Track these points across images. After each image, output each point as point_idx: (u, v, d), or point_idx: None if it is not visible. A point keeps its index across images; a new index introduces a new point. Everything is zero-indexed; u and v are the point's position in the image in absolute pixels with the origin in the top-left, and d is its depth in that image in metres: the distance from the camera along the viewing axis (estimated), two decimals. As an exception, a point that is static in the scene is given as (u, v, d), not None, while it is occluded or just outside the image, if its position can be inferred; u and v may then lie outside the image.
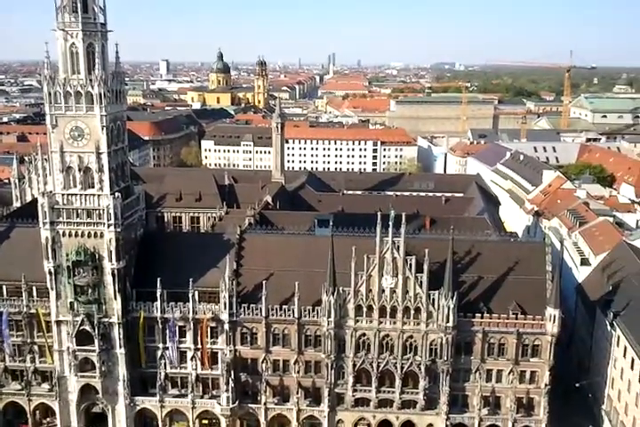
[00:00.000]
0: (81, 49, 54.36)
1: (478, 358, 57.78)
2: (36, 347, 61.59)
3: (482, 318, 56.60)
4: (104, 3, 54.84)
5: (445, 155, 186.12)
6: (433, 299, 56.23)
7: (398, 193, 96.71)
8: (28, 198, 75.38)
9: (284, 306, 58.39)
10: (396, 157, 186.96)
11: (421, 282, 56.00)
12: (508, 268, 58.57)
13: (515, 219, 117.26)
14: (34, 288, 59.80)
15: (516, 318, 56.44)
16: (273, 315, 58.62)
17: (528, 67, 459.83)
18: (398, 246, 55.71)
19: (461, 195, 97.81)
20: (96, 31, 54.77)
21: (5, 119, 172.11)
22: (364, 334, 57.85)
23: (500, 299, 57.53)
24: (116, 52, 56.90)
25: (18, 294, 59.93)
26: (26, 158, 78.62)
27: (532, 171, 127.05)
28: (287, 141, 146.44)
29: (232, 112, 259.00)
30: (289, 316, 58.39)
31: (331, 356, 57.81)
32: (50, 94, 54.97)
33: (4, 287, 60.49)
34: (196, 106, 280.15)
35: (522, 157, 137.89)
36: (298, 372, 59.96)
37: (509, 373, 57.96)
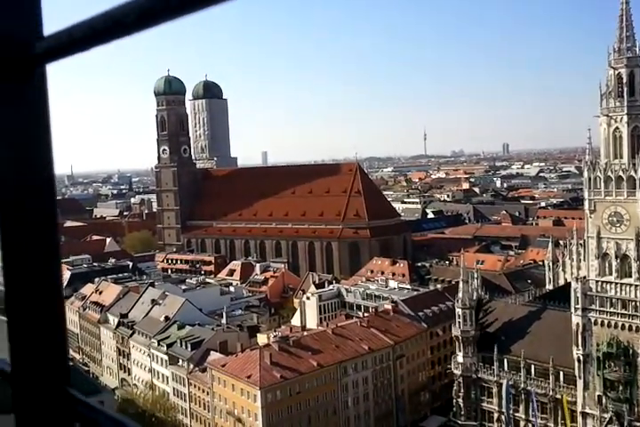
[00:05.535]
0: (625, 133, 53.21)
1: None
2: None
3: None
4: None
5: None
6: None
7: None
8: (561, 282, 75.75)
9: None
10: None
11: None
12: None
13: None
14: (561, 373, 58.77)
15: None
16: None
17: None
18: None
19: None
20: (642, 114, 53.05)
21: (543, 204, 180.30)
22: None
23: None
24: (663, 134, 53.74)
25: (545, 376, 59.83)
26: (560, 242, 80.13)
27: None
28: None
29: None
30: None
31: None
32: (590, 179, 55.06)
33: (533, 367, 61.21)
34: None
35: None
36: None
37: None
